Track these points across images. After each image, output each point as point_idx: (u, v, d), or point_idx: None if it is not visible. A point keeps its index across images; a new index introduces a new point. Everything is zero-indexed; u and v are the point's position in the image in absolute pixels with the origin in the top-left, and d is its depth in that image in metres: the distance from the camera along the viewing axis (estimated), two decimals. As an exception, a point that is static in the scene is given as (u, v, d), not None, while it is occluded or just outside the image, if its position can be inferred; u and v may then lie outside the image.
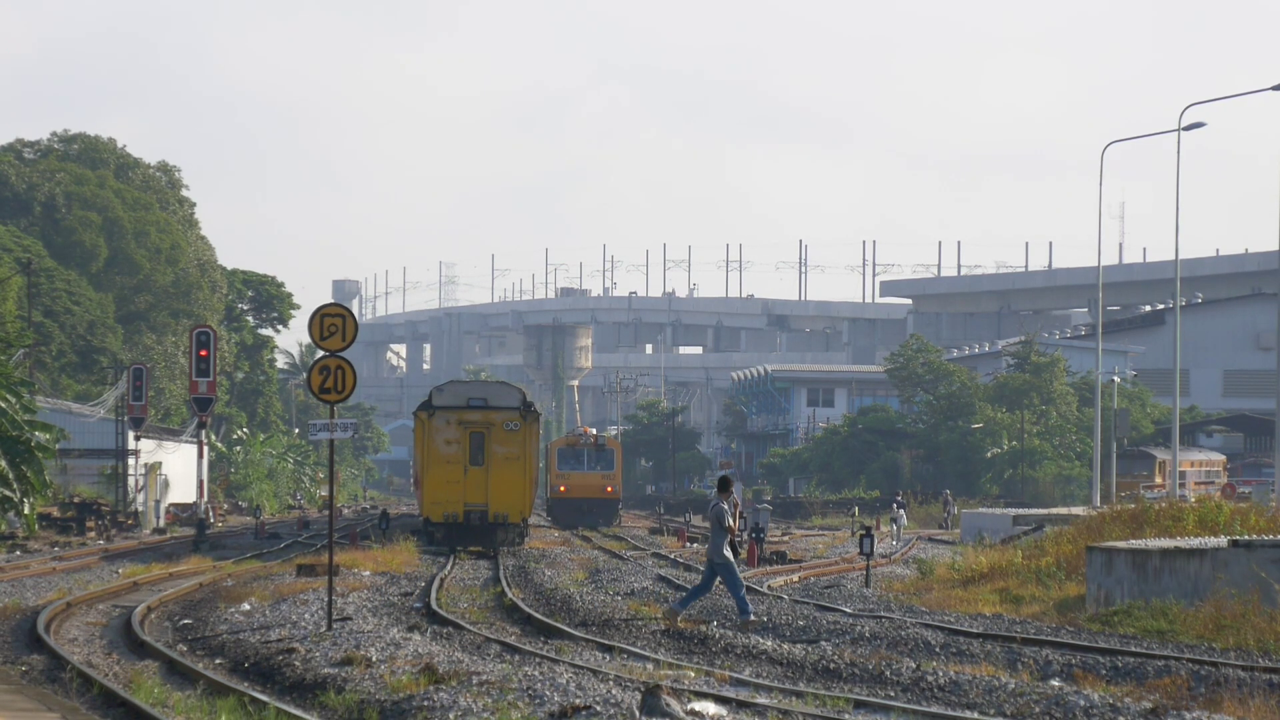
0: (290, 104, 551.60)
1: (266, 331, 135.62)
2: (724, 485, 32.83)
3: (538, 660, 25.03)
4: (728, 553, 32.04)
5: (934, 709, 20.58)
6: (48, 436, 59.11)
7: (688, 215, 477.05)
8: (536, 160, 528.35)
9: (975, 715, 20.23)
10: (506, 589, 39.51)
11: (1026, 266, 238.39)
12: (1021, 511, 69.17)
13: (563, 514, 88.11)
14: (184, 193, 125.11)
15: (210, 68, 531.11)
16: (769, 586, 41.14)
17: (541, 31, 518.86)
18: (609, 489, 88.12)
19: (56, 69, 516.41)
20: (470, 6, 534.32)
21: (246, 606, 33.76)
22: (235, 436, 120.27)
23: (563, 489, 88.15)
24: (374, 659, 24.19)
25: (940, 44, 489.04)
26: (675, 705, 19.31)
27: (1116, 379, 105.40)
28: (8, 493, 54.51)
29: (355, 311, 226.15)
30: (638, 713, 19.18)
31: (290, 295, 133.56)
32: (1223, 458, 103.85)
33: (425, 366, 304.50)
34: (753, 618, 31.26)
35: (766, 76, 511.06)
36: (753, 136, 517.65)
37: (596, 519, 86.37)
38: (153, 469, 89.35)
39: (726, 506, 32.06)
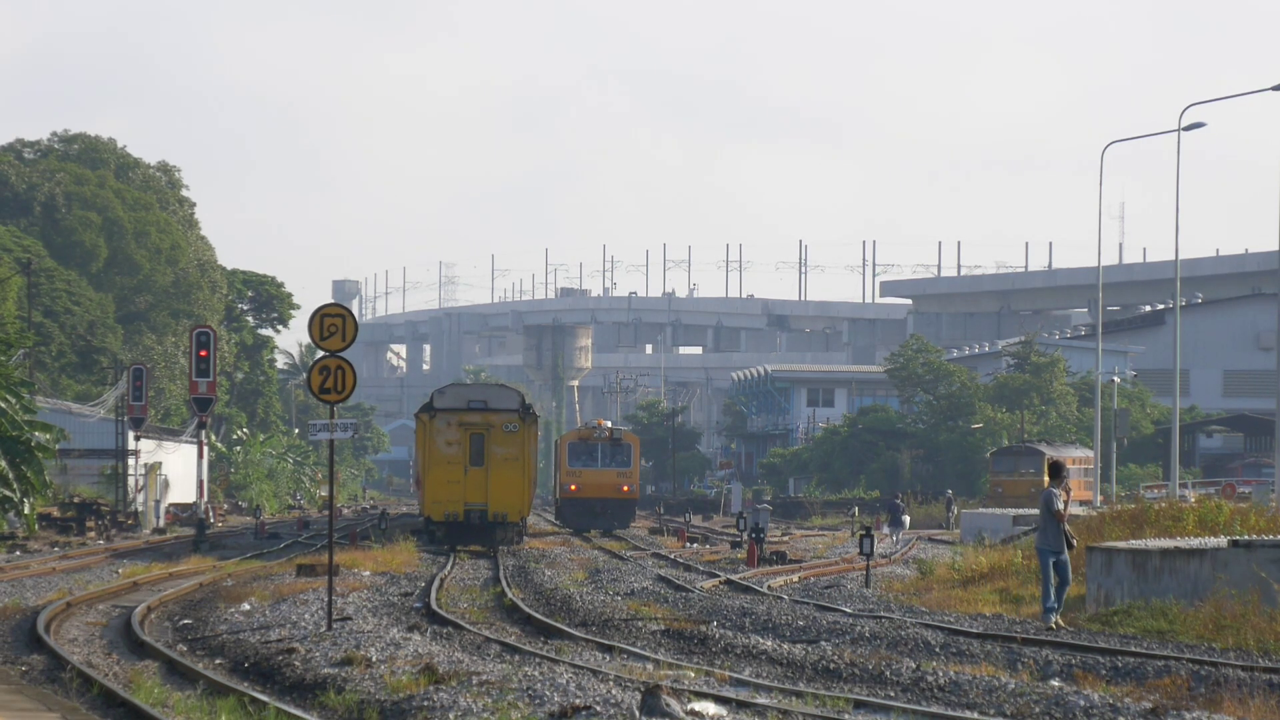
0: (288, 104, 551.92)
1: (266, 331, 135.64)
2: (1055, 471, 31.74)
3: (538, 660, 25.01)
4: (1067, 536, 31.15)
5: (934, 709, 20.57)
6: (48, 436, 59.14)
7: (687, 215, 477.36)
8: (535, 160, 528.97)
9: (975, 715, 20.23)
10: (506, 589, 39.48)
11: (1026, 266, 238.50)
12: (1021, 511, 69.03)
13: (572, 515, 79.15)
14: (184, 193, 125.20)
15: (209, 68, 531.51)
16: (769, 586, 41.15)
17: (537, 31, 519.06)
18: (625, 488, 78.36)
19: (55, 69, 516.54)
20: (464, 7, 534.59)
21: (246, 606, 33.75)
22: (235, 436, 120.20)
23: (573, 488, 78.52)
24: (374, 659, 24.18)
25: (939, 44, 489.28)
26: (675, 705, 19.31)
27: (1116, 379, 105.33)
28: (8, 493, 54.55)
29: (355, 311, 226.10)
30: (638, 713, 19.17)
31: (290, 295, 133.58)
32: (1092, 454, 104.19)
33: (425, 367, 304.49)
34: (1053, 625, 30.66)
35: (765, 77, 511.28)
36: (751, 136, 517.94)
37: (610, 521, 77.66)
38: (153, 469, 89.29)
39: (1058, 491, 31.22)
